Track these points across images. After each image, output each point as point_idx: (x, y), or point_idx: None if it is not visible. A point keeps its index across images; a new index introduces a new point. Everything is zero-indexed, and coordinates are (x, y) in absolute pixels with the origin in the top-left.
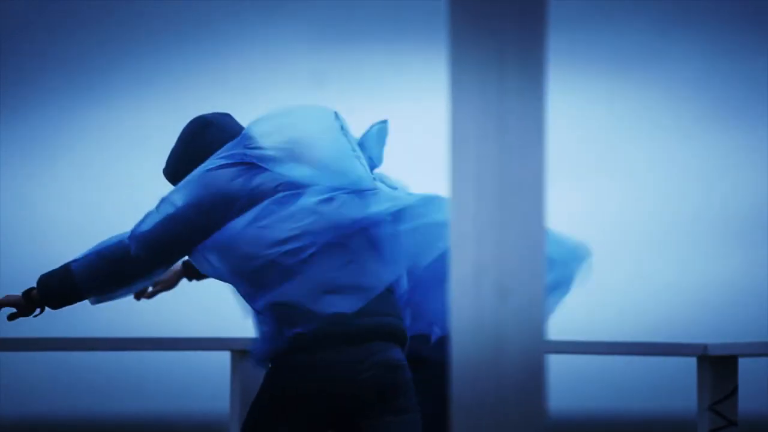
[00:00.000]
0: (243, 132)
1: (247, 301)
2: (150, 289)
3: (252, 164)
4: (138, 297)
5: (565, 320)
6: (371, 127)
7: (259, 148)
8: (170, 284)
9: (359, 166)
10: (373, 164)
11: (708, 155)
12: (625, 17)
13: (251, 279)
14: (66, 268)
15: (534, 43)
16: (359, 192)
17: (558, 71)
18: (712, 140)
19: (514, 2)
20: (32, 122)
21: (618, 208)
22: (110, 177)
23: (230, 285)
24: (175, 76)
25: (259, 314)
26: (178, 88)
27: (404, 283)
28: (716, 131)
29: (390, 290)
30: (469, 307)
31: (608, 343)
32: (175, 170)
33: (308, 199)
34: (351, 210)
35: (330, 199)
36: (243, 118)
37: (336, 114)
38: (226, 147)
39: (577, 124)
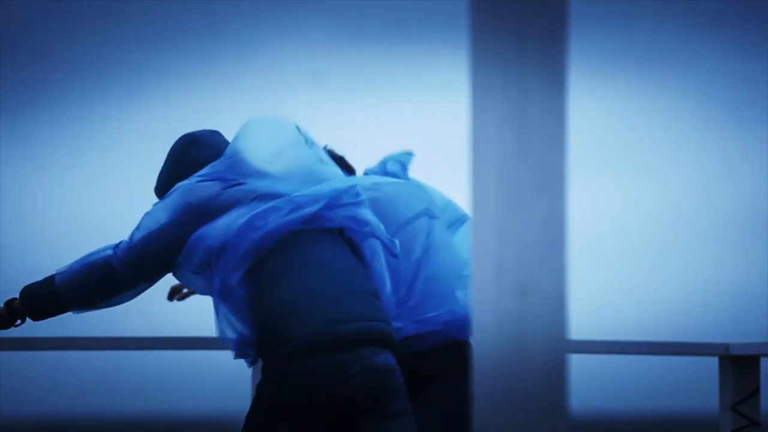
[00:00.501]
0: (228, 147)
1: (233, 315)
2: (184, 290)
3: (230, 179)
4: (171, 298)
5: (587, 320)
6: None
7: (240, 160)
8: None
9: (328, 172)
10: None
11: (730, 153)
12: (645, 17)
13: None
14: (50, 280)
15: (555, 42)
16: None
17: (578, 70)
18: (734, 139)
19: (535, 2)
20: (32, 122)
21: (639, 207)
22: (111, 177)
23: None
24: (176, 76)
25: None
26: (178, 89)
27: (388, 287)
28: (738, 130)
29: (375, 295)
30: (490, 307)
31: (629, 342)
32: (163, 187)
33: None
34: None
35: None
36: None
37: (298, 127)
38: (209, 165)
39: (596, 123)
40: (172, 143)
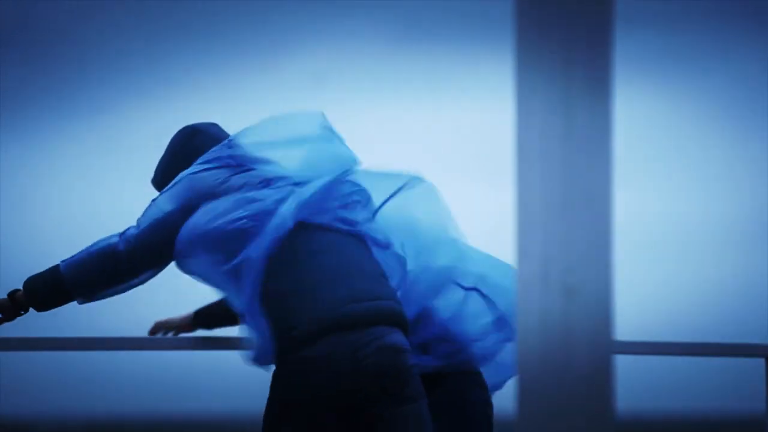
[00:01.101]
0: (228, 138)
1: (237, 303)
2: (170, 334)
3: (236, 165)
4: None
5: (632, 320)
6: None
7: (242, 148)
8: (188, 329)
9: (345, 153)
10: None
11: None
12: (692, 17)
13: (233, 272)
14: (54, 268)
15: (600, 45)
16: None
17: (622, 72)
18: None
19: (580, 5)
20: (33, 122)
21: (682, 209)
22: (114, 177)
23: (220, 289)
24: (177, 76)
25: (251, 314)
26: (179, 89)
27: (398, 273)
28: None
29: (384, 276)
30: (535, 307)
31: (675, 343)
32: (162, 177)
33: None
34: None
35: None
36: (248, 121)
37: (323, 114)
38: (211, 151)
39: (642, 125)
40: (173, 135)
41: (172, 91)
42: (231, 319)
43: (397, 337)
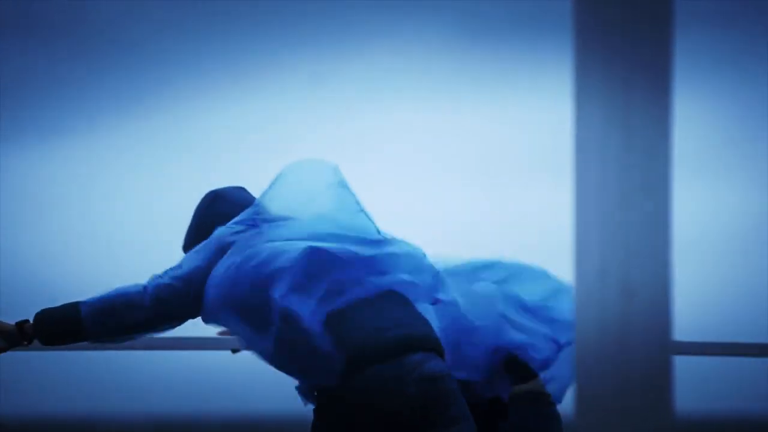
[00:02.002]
0: (254, 201)
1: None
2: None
3: (254, 224)
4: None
5: (691, 321)
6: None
7: (267, 211)
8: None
9: (362, 218)
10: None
11: None
12: (752, 16)
13: (255, 319)
14: (73, 310)
15: (659, 42)
16: (363, 240)
17: (681, 69)
18: None
19: (639, 6)
20: (37, 122)
21: (742, 207)
22: (116, 177)
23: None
24: (177, 76)
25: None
26: (177, 89)
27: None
28: None
29: (407, 302)
30: (593, 308)
31: (735, 344)
32: (187, 243)
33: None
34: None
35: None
36: (252, 122)
37: (336, 168)
38: (241, 214)
39: (701, 123)
40: (198, 203)
41: (176, 90)
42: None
43: (435, 364)
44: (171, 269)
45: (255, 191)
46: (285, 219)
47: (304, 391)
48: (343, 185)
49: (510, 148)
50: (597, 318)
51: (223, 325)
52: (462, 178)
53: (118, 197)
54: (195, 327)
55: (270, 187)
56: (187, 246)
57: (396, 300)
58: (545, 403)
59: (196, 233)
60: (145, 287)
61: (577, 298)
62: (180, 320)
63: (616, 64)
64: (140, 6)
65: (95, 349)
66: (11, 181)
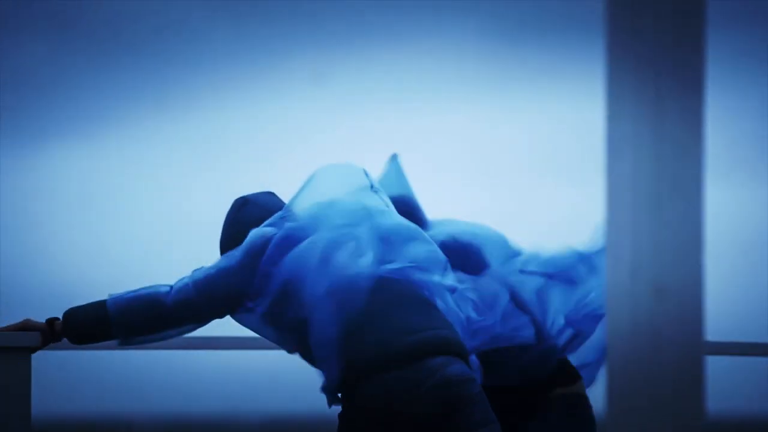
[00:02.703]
0: (284, 205)
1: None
2: None
3: (288, 224)
4: None
5: (723, 321)
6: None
7: (295, 213)
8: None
9: (389, 221)
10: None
11: None
12: None
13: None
14: (100, 305)
15: (691, 41)
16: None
17: (714, 70)
18: None
19: (671, 5)
20: (41, 121)
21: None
22: (117, 178)
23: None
24: (177, 75)
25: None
26: (180, 89)
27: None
28: None
29: (431, 305)
30: (625, 308)
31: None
32: (220, 249)
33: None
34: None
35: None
36: (254, 119)
37: (365, 172)
38: (272, 217)
39: (731, 123)
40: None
41: (176, 90)
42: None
43: (458, 367)
44: (199, 269)
45: (283, 196)
46: (314, 222)
47: (329, 391)
48: (373, 189)
49: (539, 149)
50: (629, 318)
51: (254, 319)
52: (490, 180)
53: (118, 198)
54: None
55: (299, 191)
56: (221, 251)
57: (418, 302)
58: (586, 406)
59: (226, 238)
60: (171, 287)
61: (608, 297)
62: (201, 320)
63: (648, 64)
64: (139, 5)
65: (102, 348)
66: (16, 181)
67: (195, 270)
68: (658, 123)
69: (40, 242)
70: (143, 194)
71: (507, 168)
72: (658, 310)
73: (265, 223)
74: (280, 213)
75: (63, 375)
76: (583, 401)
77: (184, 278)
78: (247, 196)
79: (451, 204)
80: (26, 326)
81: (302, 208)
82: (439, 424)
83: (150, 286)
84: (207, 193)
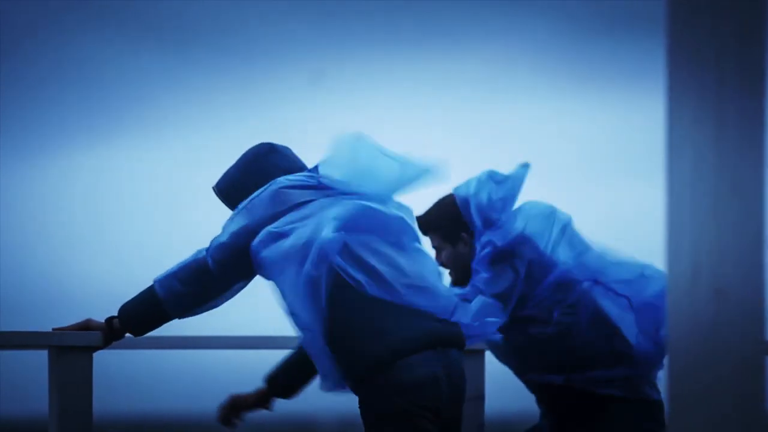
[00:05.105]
0: (316, 165)
1: (307, 319)
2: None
3: (324, 187)
4: (226, 421)
5: None
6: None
7: (330, 176)
8: (264, 404)
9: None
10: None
11: None
12: None
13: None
14: (148, 290)
15: (753, 40)
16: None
17: None
18: None
19: (731, 7)
20: (45, 121)
21: None
22: (118, 177)
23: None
24: (179, 74)
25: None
26: (178, 87)
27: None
28: None
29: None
30: (686, 308)
31: None
32: (234, 189)
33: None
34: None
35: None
36: (256, 119)
37: (375, 142)
38: (300, 173)
39: None
40: (245, 152)
41: (178, 87)
42: (304, 378)
43: (461, 361)
44: (229, 223)
45: None
46: (348, 185)
47: (336, 378)
48: (384, 152)
49: (600, 149)
50: (689, 318)
51: (272, 274)
52: (552, 179)
53: (120, 198)
54: (203, 327)
55: (328, 156)
56: (227, 189)
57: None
58: (661, 410)
59: (248, 179)
60: (207, 250)
61: (669, 298)
62: (247, 275)
63: (709, 66)
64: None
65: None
66: (19, 183)
67: (225, 225)
68: (718, 124)
69: (108, 243)
70: (145, 196)
71: (574, 165)
72: (718, 311)
73: (296, 176)
74: (310, 173)
75: (121, 373)
76: (659, 406)
77: (216, 237)
78: (272, 143)
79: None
80: (88, 326)
81: (341, 170)
82: (448, 416)
83: (188, 258)
84: (207, 193)
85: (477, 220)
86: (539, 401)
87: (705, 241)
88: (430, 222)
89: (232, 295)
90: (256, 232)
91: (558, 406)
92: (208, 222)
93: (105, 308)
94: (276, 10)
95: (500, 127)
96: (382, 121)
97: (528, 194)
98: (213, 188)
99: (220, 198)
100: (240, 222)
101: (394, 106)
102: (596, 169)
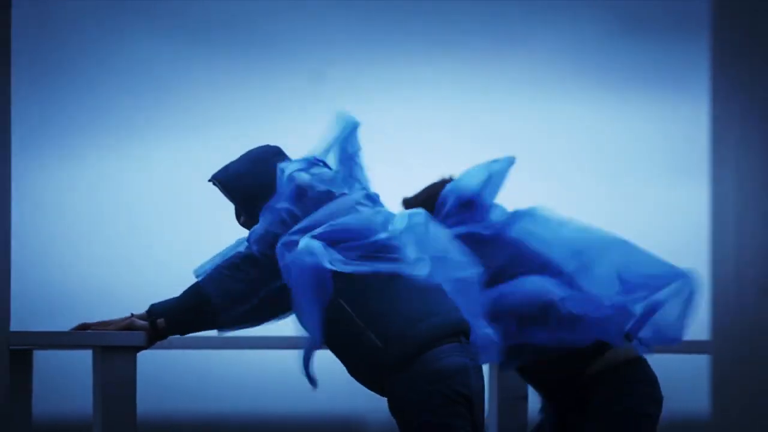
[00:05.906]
0: (314, 156)
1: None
2: None
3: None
4: None
5: None
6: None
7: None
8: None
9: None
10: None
11: None
12: None
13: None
14: (193, 289)
15: None
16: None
17: None
18: None
19: None
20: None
21: None
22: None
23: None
24: (177, 73)
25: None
26: (181, 88)
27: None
28: None
29: (441, 288)
30: (730, 305)
31: None
32: (235, 182)
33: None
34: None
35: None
36: (255, 119)
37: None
38: (302, 159)
39: None
40: (251, 150)
41: (177, 89)
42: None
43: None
44: (264, 218)
45: None
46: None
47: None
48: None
49: (643, 147)
50: (734, 318)
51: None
52: (592, 176)
53: (121, 198)
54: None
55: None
56: (233, 185)
57: (435, 286)
58: (647, 366)
59: (254, 180)
60: (248, 243)
61: (713, 298)
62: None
63: (756, 64)
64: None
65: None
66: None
67: (261, 219)
68: (764, 123)
69: (141, 245)
70: (147, 196)
71: (611, 167)
72: (763, 308)
73: (298, 160)
74: (308, 157)
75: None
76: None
77: (256, 229)
78: (277, 147)
79: (566, 204)
80: (132, 326)
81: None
82: (472, 406)
83: (229, 256)
84: (209, 193)
85: (452, 201)
86: (538, 391)
87: (749, 240)
88: (417, 204)
89: (276, 285)
90: (290, 223)
91: (549, 382)
92: (223, 224)
93: (141, 305)
94: (277, 10)
95: (504, 129)
96: (382, 121)
97: (563, 193)
98: (212, 181)
99: (224, 191)
100: (275, 215)
101: (394, 106)
102: (639, 170)
